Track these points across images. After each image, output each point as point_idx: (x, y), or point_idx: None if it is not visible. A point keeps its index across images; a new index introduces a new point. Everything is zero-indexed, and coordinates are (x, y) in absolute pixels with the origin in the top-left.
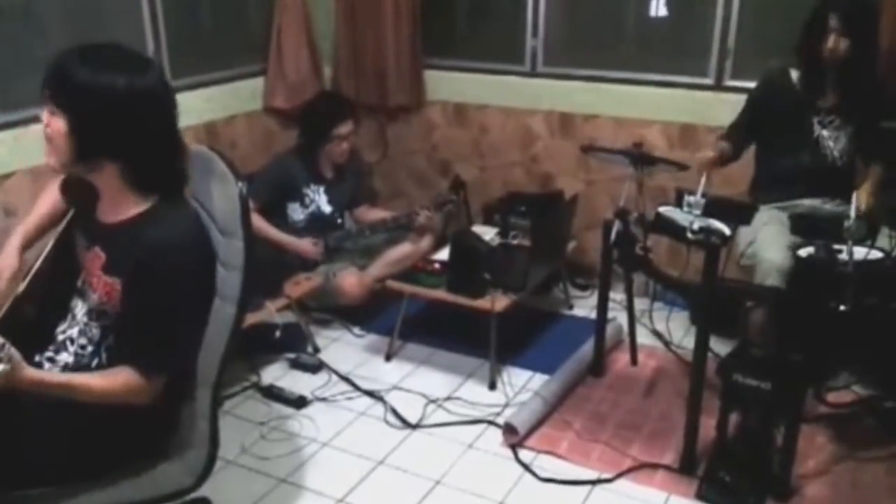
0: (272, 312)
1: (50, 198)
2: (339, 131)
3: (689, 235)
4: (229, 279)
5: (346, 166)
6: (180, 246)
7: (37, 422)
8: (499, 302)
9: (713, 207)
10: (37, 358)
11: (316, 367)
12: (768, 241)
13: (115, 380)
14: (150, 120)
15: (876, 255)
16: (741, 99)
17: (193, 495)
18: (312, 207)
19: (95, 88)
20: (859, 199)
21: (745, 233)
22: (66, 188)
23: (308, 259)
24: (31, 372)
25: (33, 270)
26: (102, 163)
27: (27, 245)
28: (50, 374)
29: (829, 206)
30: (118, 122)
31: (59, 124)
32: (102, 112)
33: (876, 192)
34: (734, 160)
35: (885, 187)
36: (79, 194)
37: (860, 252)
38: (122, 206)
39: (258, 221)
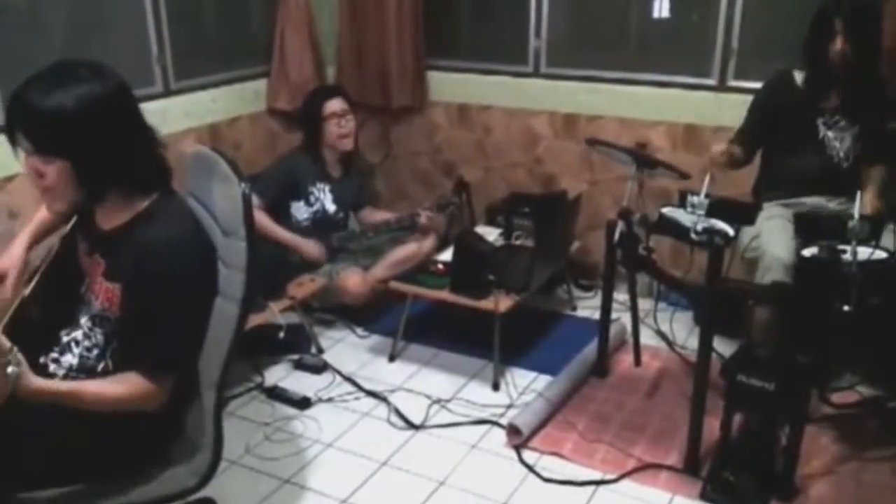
0: (276, 313)
1: None
2: (329, 108)
3: (693, 236)
4: (232, 279)
5: (353, 165)
6: (175, 243)
7: (43, 424)
8: (502, 303)
9: (717, 208)
10: (41, 360)
11: (320, 368)
12: (773, 235)
13: (124, 386)
14: (130, 118)
15: (880, 255)
16: (745, 99)
17: (198, 495)
18: (317, 206)
19: (81, 117)
20: (864, 204)
21: (748, 229)
22: None
23: (311, 260)
24: (37, 382)
25: (39, 273)
26: (108, 188)
27: (36, 241)
28: (57, 382)
29: (832, 204)
30: (110, 136)
31: (57, 171)
32: (97, 130)
33: (881, 194)
34: (746, 164)
35: (890, 187)
36: None
37: (864, 252)
38: (118, 213)
39: (263, 220)
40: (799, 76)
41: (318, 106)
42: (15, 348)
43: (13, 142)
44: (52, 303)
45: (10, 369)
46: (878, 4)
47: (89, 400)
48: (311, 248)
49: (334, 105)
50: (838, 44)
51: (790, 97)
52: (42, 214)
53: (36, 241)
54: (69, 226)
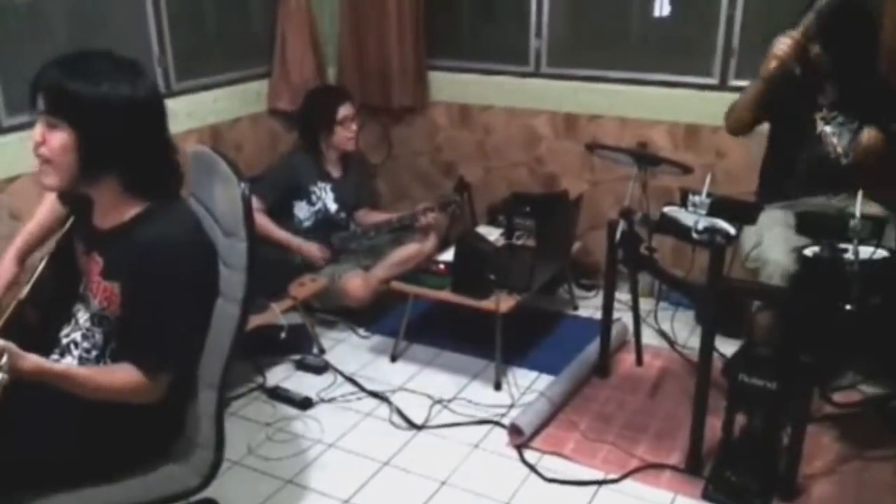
0: (277, 314)
1: (49, 205)
2: (343, 113)
3: (694, 235)
4: (232, 280)
5: (352, 165)
6: (175, 242)
7: (45, 422)
8: (504, 303)
9: (718, 207)
10: None
11: (321, 369)
12: (774, 244)
13: (118, 376)
14: (149, 125)
15: (882, 254)
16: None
17: (200, 496)
18: (319, 205)
19: (99, 100)
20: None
21: (750, 233)
22: (64, 195)
23: (312, 262)
24: (31, 360)
25: (35, 275)
26: (103, 175)
27: (27, 253)
28: (51, 363)
29: (834, 202)
30: (123, 132)
31: (60, 139)
32: (108, 123)
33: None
34: (749, 130)
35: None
36: (76, 201)
37: (866, 251)
38: (117, 212)
39: (263, 222)
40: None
41: (332, 108)
42: (5, 356)
43: (33, 102)
44: (50, 304)
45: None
46: (864, 8)
47: (82, 384)
48: (312, 249)
49: (348, 109)
50: (815, 48)
51: (788, 92)
52: (34, 223)
53: (29, 249)
54: (65, 227)
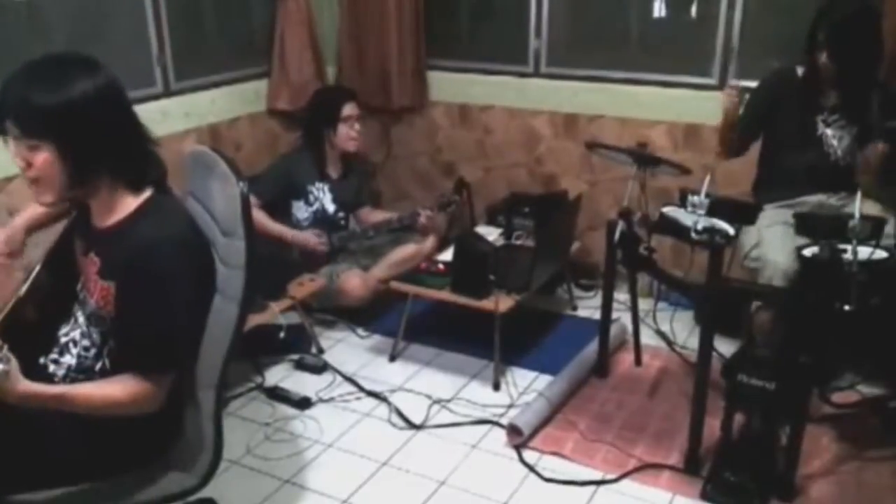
0: (276, 313)
1: None
2: (346, 112)
3: (693, 235)
4: (231, 278)
5: (352, 165)
6: (168, 241)
7: (43, 424)
8: (503, 303)
9: (717, 207)
10: (41, 360)
11: (320, 368)
12: (774, 244)
13: (119, 388)
14: (120, 115)
15: (881, 254)
16: (744, 99)
17: (198, 496)
18: (316, 206)
19: (64, 106)
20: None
21: (749, 233)
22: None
23: (312, 253)
24: (24, 384)
25: (34, 273)
26: (94, 176)
27: (34, 225)
28: (45, 386)
29: (833, 200)
30: (96, 128)
31: (44, 157)
32: (79, 125)
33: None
34: (740, 153)
35: (889, 186)
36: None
37: (865, 252)
38: (113, 210)
39: (260, 217)
40: (801, 72)
41: (336, 106)
42: (5, 346)
43: (3, 131)
44: (49, 303)
45: (0, 367)
46: (870, 14)
47: (80, 403)
48: (308, 238)
49: (352, 108)
50: (822, 57)
51: (790, 93)
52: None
53: (34, 224)
54: (64, 224)
